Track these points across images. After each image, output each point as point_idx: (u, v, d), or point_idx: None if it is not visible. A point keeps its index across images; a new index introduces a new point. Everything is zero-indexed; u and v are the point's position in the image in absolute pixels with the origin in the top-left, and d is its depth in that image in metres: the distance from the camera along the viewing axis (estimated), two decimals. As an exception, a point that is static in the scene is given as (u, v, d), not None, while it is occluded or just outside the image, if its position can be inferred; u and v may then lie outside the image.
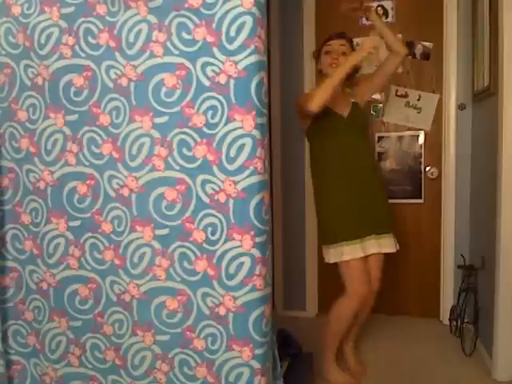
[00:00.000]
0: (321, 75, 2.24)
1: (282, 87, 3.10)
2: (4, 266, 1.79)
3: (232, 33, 1.47)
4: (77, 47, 1.62)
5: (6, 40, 1.69)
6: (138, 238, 1.62)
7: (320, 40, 2.80)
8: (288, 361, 2.09)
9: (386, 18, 2.93)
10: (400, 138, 2.98)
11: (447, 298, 2.93)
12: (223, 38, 1.49)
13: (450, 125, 2.85)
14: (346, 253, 2.06)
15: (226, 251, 1.54)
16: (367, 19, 2.26)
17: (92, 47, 1.61)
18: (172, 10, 1.53)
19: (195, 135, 1.55)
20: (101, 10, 1.60)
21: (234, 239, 1.53)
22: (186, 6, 1.51)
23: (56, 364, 1.77)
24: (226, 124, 1.51)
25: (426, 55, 2.90)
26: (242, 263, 1.53)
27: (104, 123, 1.62)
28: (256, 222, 1.51)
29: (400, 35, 2.89)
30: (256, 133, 1.49)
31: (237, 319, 1.55)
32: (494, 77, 2.24)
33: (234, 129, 1.50)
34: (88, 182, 1.66)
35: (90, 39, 1.61)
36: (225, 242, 1.54)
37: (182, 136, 1.56)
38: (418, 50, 2.90)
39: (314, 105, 1.93)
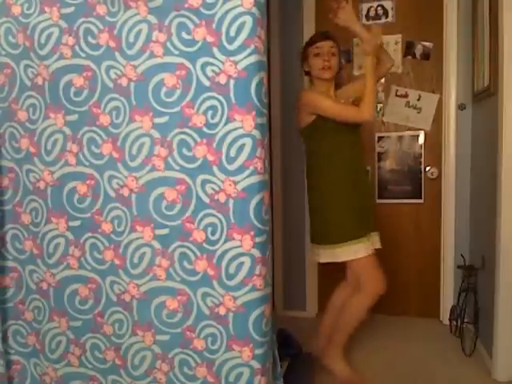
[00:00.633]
0: (310, 77, 2.26)
1: (281, 87, 3.10)
2: (4, 266, 1.79)
3: (232, 33, 1.47)
4: (77, 47, 1.62)
5: (6, 40, 1.69)
6: (138, 238, 1.62)
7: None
8: (288, 361, 2.09)
9: (386, 17, 2.93)
10: (400, 138, 2.97)
11: (447, 298, 2.93)
12: (223, 38, 1.49)
13: (450, 125, 2.85)
14: (359, 250, 2.07)
15: (225, 251, 1.54)
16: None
17: (92, 47, 1.61)
18: (172, 10, 1.53)
19: (195, 135, 1.55)
20: (101, 10, 1.60)
21: (233, 239, 1.53)
22: (186, 6, 1.51)
23: (56, 364, 1.77)
24: (226, 124, 1.51)
25: (426, 55, 2.90)
26: (241, 263, 1.53)
27: (104, 123, 1.62)
28: (256, 222, 1.51)
29: (400, 35, 2.90)
30: (256, 133, 1.49)
31: (237, 319, 1.55)
32: (493, 77, 2.24)
33: (234, 129, 1.50)
34: (88, 182, 1.66)
35: (90, 39, 1.61)
36: (225, 241, 1.54)
37: (182, 136, 1.56)
38: (418, 49, 2.90)
39: (369, 114, 2.02)
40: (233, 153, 1.51)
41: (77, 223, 1.68)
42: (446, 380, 2.21)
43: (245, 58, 1.47)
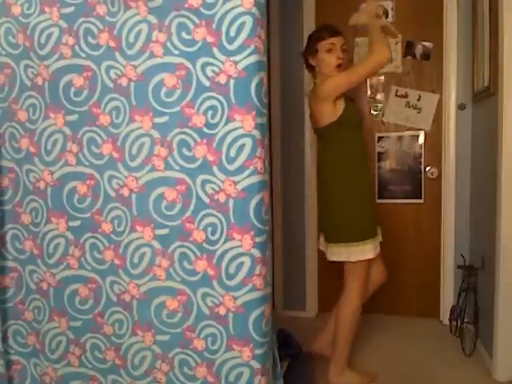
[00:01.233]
0: (313, 72, 2.18)
1: (281, 87, 3.10)
2: (4, 266, 1.79)
3: (232, 33, 1.47)
4: (77, 47, 1.62)
5: (6, 40, 1.69)
6: (138, 238, 1.62)
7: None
8: (288, 361, 2.09)
9: (386, 17, 2.93)
10: (400, 138, 2.97)
11: (447, 298, 2.93)
12: (223, 38, 1.49)
13: (449, 125, 2.85)
14: (368, 250, 2.07)
15: (226, 251, 1.54)
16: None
17: (92, 47, 1.61)
18: (172, 10, 1.53)
19: (195, 135, 1.55)
20: (101, 10, 1.60)
21: (233, 239, 1.53)
22: (186, 6, 1.51)
23: (56, 364, 1.77)
24: (226, 124, 1.51)
25: (426, 55, 2.90)
26: (241, 263, 1.53)
27: (104, 123, 1.62)
28: (256, 222, 1.51)
29: (400, 35, 2.90)
30: (256, 133, 1.49)
31: (237, 319, 1.55)
32: (493, 77, 2.24)
33: (234, 129, 1.50)
34: (88, 182, 1.66)
35: (89, 39, 1.61)
36: (225, 241, 1.54)
37: (182, 136, 1.56)
38: (418, 50, 2.90)
39: (389, 52, 2.02)
40: (233, 153, 1.51)
41: (77, 223, 1.68)
42: (446, 380, 2.21)
43: (245, 58, 1.47)
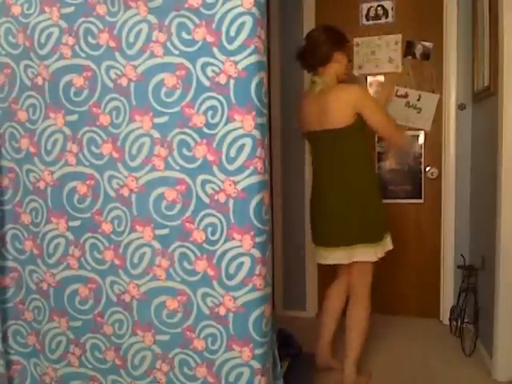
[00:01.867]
0: (324, 71, 2.15)
1: (281, 87, 3.10)
2: (4, 266, 1.79)
3: (232, 33, 1.47)
4: (77, 47, 1.62)
5: (6, 40, 1.69)
6: (138, 238, 1.62)
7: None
8: (288, 361, 2.09)
9: (386, 17, 2.93)
10: (400, 138, 2.97)
11: (447, 298, 2.93)
12: (223, 38, 1.49)
13: (449, 125, 2.85)
14: (387, 245, 2.14)
15: (225, 251, 1.54)
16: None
17: (92, 47, 1.61)
18: (172, 10, 1.53)
19: (195, 135, 1.55)
20: (101, 10, 1.60)
21: (233, 239, 1.53)
22: (186, 6, 1.51)
23: (56, 364, 1.77)
24: (226, 124, 1.51)
25: (426, 55, 2.90)
26: (241, 263, 1.53)
27: (104, 123, 1.62)
28: (256, 222, 1.51)
29: (400, 35, 2.90)
30: (256, 133, 1.49)
31: (237, 319, 1.55)
32: (493, 77, 2.24)
33: (234, 129, 1.50)
34: (88, 182, 1.66)
35: (90, 39, 1.61)
36: (225, 242, 1.54)
37: (182, 136, 1.56)
38: (418, 49, 2.90)
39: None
40: (233, 153, 1.51)
41: (77, 223, 1.68)
42: (446, 380, 2.21)
43: (245, 58, 1.47)
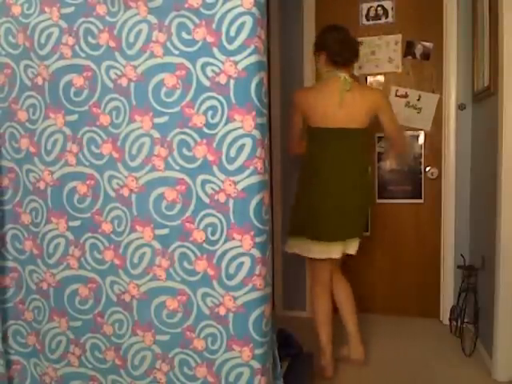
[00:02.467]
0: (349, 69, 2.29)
1: (281, 87, 3.10)
2: (4, 266, 1.79)
3: (232, 33, 1.47)
4: (77, 47, 1.62)
5: (6, 40, 1.69)
6: (138, 238, 1.62)
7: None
8: (288, 361, 2.09)
9: (386, 17, 2.93)
10: (400, 138, 2.97)
11: (447, 298, 2.93)
12: (223, 38, 1.49)
13: (449, 125, 2.85)
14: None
15: (226, 251, 1.54)
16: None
17: (92, 47, 1.61)
18: (172, 10, 1.53)
19: (195, 135, 1.55)
20: (101, 10, 1.60)
21: (233, 239, 1.53)
22: (186, 6, 1.51)
23: (56, 364, 1.77)
24: (226, 124, 1.51)
25: (426, 55, 2.90)
26: (241, 263, 1.53)
27: (104, 123, 1.62)
28: (256, 222, 1.51)
29: (400, 35, 2.91)
30: (256, 133, 1.49)
31: (237, 319, 1.55)
32: (493, 77, 2.24)
33: (234, 129, 1.50)
34: (88, 182, 1.66)
35: (90, 39, 1.61)
36: (225, 242, 1.54)
37: (182, 136, 1.56)
38: (418, 50, 2.90)
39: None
40: (233, 153, 1.51)
41: (77, 223, 1.68)
42: (446, 380, 2.21)
43: (245, 58, 1.47)
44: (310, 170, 2.21)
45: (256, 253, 1.52)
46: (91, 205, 1.66)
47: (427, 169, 2.94)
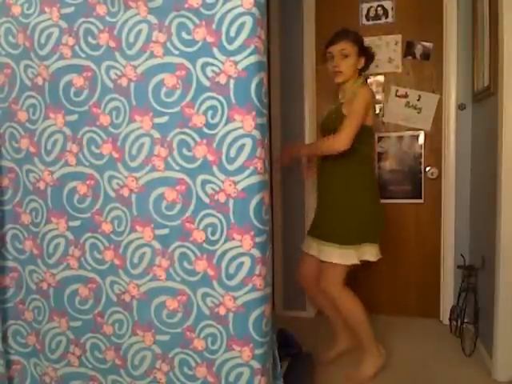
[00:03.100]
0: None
1: (281, 87, 3.10)
2: (4, 266, 1.79)
3: (232, 33, 1.47)
4: (77, 47, 1.62)
5: (6, 40, 1.69)
6: (138, 238, 1.62)
7: (320, 39, 2.82)
8: (288, 361, 2.09)
9: (386, 17, 2.93)
10: (400, 138, 2.97)
11: (447, 298, 2.93)
12: (223, 38, 1.49)
13: (449, 125, 2.85)
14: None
15: (225, 251, 1.54)
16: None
17: (92, 47, 1.61)
18: (172, 10, 1.53)
19: (195, 135, 1.55)
20: (101, 10, 1.60)
21: (233, 239, 1.53)
22: (186, 6, 1.51)
23: (56, 364, 1.77)
24: (225, 124, 1.51)
25: (426, 55, 2.90)
26: (241, 263, 1.53)
27: (104, 123, 1.63)
28: (256, 222, 1.51)
29: (400, 35, 2.90)
30: (256, 133, 1.49)
31: (237, 319, 1.55)
32: (493, 77, 2.24)
33: (234, 129, 1.50)
34: (88, 182, 1.66)
35: (90, 39, 1.61)
36: (225, 242, 1.54)
37: (182, 136, 1.56)
38: (418, 50, 2.90)
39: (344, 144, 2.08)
40: (233, 153, 1.51)
41: (77, 223, 1.68)
42: (446, 380, 2.21)
43: (245, 58, 1.47)
44: (367, 169, 2.25)
45: (256, 253, 1.52)
46: (91, 205, 1.66)
47: (427, 169, 2.94)
